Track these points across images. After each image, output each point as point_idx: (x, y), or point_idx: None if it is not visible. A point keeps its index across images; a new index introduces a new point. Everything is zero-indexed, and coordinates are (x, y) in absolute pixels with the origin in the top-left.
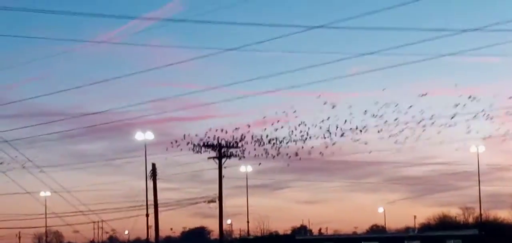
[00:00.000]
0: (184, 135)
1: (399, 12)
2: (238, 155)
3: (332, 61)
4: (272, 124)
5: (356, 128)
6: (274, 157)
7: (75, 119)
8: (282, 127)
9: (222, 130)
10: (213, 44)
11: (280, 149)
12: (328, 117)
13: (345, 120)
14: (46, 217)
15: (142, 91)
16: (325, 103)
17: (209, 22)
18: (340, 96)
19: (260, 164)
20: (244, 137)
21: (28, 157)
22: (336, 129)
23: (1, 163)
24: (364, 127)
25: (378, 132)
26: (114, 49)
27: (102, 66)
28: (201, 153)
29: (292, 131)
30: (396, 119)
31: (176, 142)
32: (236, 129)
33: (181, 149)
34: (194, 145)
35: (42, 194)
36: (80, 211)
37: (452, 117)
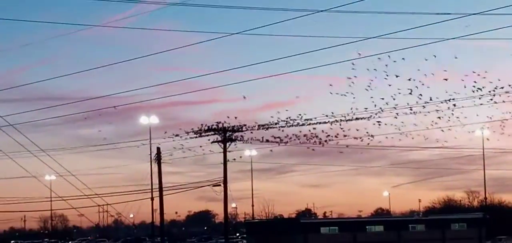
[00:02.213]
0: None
1: None
2: (242, 138)
3: (338, 45)
4: (277, 107)
5: (361, 111)
6: (280, 142)
7: (80, 103)
8: (286, 110)
9: (227, 115)
10: (219, 28)
11: (285, 132)
12: (333, 101)
13: (351, 107)
14: (51, 201)
15: (147, 75)
16: (331, 85)
17: (215, 6)
18: (345, 81)
19: (271, 150)
20: (250, 124)
21: (33, 141)
22: (342, 113)
23: None
24: (367, 110)
25: (376, 114)
26: (120, 33)
27: (108, 50)
28: (200, 136)
29: (299, 115)
30: (398, 103)
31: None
32: (240, 112)
33: (186, 133)
34: (198, 128)
35: (47, 177)
36: (85, 195)
37: (449, 100)
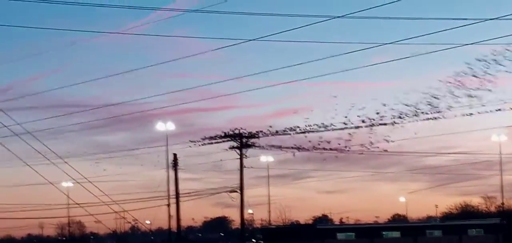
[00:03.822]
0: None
1: (420, 1)
2: (259, 145)
3: (353, 51)
4: (292, 114)
5: (378, 118)
6: (297, 150)
7: (97, 110)
8: (307, 118)
9: (243, 121)
10: (235, 35)
11: (300, 139)
12: (352, 107)
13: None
14: (68, 207)
15: (164, 82)
16: (337, 94)
17: (231, 13)
18: (360, 86)
19: (294, 154)
20: (265, 129)
21: (51, 148)
22: (358, 119)
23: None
24: (383, 116)
25: (395, 122)
26: (136, 40)
27: (124, 58)
28: (215, 142)
29: (313, 121)
30: (417, 109)
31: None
32: (256, 118)
33: (202, 140)
34: (215, 135)
35: (64, 184)
36: (103, 202)
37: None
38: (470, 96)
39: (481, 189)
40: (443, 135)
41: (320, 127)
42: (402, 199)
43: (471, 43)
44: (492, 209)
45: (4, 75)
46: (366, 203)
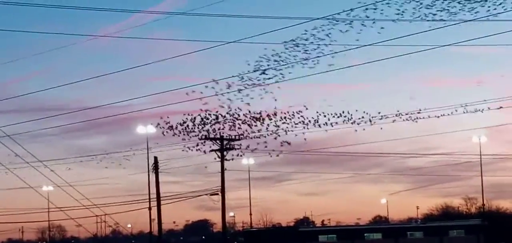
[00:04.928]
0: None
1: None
2: (240, 147)
3: (333, 53)
4: (271, 116)
5: (358, 119)
6: (277, 154)
7: (77, 113)
8: (285, 118)
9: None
10: (216, 37)
11: (280, 140)
12: (329, 108)
13: (342, 112)
14: (49, 212)
15: (144, 85)
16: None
17: (212, 15)
18: (341, 87)
19: (278, 154)
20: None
21: (30, 152)
22: (338, 120)
23: None
24: (363, 118)
25: (372, 122)
26: (116, 43)
27: (104, 60)
28: (203, 145)
29: (293, 123)
30: (398, 110)
31: (179, 129)
32: (237, 121)
33: (184, 141)
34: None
35: (45, 188)
36: (83, 205)
37: (447, 107)
38: None
39: (462, 190)
40: (423, 135)
41: (302, 128)
42: (383, 201)
43: (453, 44)
44: (473, 210)
45: None
46: (347, 205)
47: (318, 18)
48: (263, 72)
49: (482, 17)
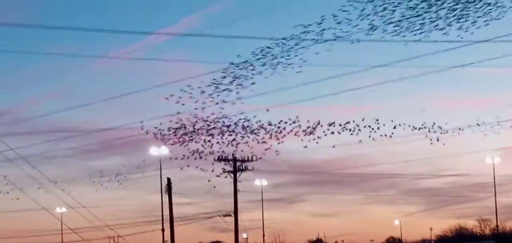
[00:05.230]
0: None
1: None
2: (253, 168)
3: (344, 74)
4: (284, 136)
5: (370, 139)
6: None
7: (90, 135)
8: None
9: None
10: (228, 58)
11: (294, 161)
12: (342, 128)
13: (353, 133)
14: (62, 233)
15: (157, 106)
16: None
17: (224, 37)
18: (352, 109)
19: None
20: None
21: (44, 173)
22: (351, 140)
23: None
24: (375, 139)
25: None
26: (129, 65)
27: (117, 82)
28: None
29: (306, 144)
30: (411, 131)
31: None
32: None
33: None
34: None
35: (58, 210)
36: (96, 227)
37: (461, 129)
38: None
39: (476, 211)
40: (437, 156)
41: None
42: (396, 222)
43: (464, 65)
44: (487, 231)
45: (3, 99)
46: (361, 226)
47: (329, 40)
48: None
49: (496, 38)
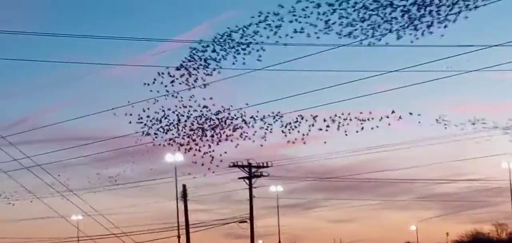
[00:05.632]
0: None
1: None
2: (268, 174)
3: (357, 79)
4: (297, 142)
5: (384, 145)
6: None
7: (106, 142)
8: (325, 142)
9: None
10: (240, 65)
11: (309, 168)
12: (357, 133)
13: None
14: (78, 241)
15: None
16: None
17: (242, 44)
18: (365, 114)
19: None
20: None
21: (60, 181)
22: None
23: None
24: (389, 144)
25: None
26: (143, 72)
27: (131, 89)
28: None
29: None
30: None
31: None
32: (264, 148)
33: (211, 170)
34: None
35: (74, 217)
36: (113, 234)
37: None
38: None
39: (492, 216)
40: (452, 161)
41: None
42: (412, 227)
43: (477, 70)
44: (504, 236)
45: (20, 107)
46: (377, 232)
47: (341, 45)
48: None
49: (508, 42)
